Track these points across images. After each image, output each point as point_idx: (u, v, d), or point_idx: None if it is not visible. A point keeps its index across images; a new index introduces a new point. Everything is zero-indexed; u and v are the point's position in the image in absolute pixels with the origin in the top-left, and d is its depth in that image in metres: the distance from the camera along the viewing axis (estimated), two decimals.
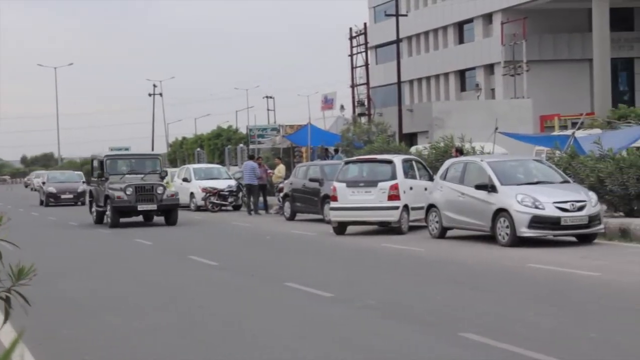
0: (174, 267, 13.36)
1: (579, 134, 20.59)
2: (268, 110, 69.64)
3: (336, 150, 30.24)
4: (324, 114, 47.05)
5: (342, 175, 18.36)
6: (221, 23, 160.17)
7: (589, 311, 8.42)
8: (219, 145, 65.19)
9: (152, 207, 21.58)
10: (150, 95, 70.14)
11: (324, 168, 22.43)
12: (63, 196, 36.48)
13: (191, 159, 61.32)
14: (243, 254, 14.58)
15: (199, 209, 28.35)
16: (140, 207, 21.52)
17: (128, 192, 21.29)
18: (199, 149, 60.13)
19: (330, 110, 47.56)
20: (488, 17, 56.19)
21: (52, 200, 36.31)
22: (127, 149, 74.12)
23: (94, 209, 23.17)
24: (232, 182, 28.84)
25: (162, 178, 22.66)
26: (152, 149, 72.22)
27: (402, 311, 8.70)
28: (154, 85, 69.96)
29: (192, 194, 29.01)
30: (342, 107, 47.61)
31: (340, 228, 17.93)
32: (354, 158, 20.74)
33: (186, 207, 28.42)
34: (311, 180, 22.07)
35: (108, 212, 21.77)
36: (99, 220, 22.69)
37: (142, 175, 22.18)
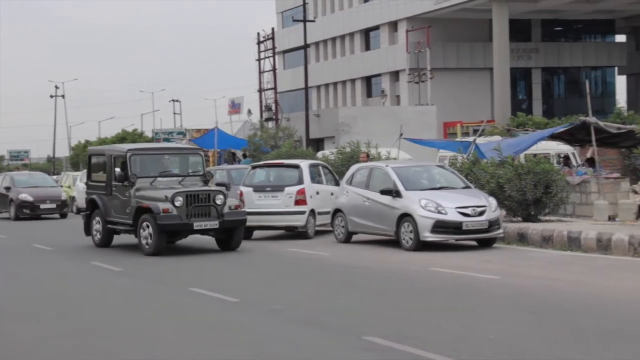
0: (76, 273, 13.04)
1: (480, 140, 21.20)
2: (174, 113, 68.88)
3: (244, 155, 30.17)
4: (231, 118, 46.87)
5: (249, 179, 18.36)
6: (126, 24, 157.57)
7: (488, 313, 8.67)
8: None
9: (213, 224, 14.88)
10: (52, 96, 68.29)
11: (230, 172, 22.34)
12: (43, 205, 27.33)
13: None
14: (149, 260, 14.37)
15: None
16: (197, 226, 14.77)
17: (177, 204, 14.62)
18: None
19: (238, 114, 47.42)
20: (393, 25, 57.16)
21: (26, 211, 27.19)
22: (26, 152, 71.95)
23: (97, 226, 16.39)
24: None
25: (207, 182, 16.07)
26: (54, 153, 70.37)
27: (307, 315, 8.75)
28: (56, 87, 68.17)
29: None
30: (249, 112, 47.54)
31: (247, 233, 17.86)
32: (261, 163, 20.74)
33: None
34: (218, 184, 21.90)
35: (146, 233, 14.78)
36: (106, 241, 16.31)
37: (180, 179, 15.81)
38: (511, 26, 49.10)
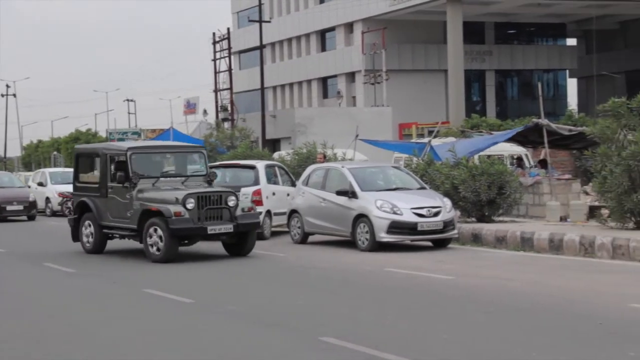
0: (28, 274, 12.84)
1: (435, 142, 21.38)
2: (129, 113, 68.28)
3: None
4: (186, 118, 46.67)
5: None
6: (79, 22, 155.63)
7: (442, 313, 8.75)
8: None
9: (228, 228, 13.77)
10: (2, 95, 67.12)
11: None
12: (9, 207, 25.51)
13: (47, 162, 59.12)
14: (102, 261, 14.22)
15: (55, 214, 27.43)
16: (210, 230, 13.66)
17: (189, 206, 13.53)
18: (55, 153, 58.10)
19: (193, 114, 47.24)
20: (349, 26, 57.38)
21: None
22: None
23: (88, 231, 15.10)
24: None
25: (211, 182, 14.91)
26: (5, 153, 69.12)
27: (263, 316, 8.74)
28: (7, 86, 67.02)
29: (47, 198, 28.06)
30: (205, 112, 47.37)
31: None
32: (217, 163, 20.65)
33: (42, 212, 27.50)
34: None
35: (154, 239, 13.53)
36: (98, 247, 15.05)
37: (183, 179, 14.70)
38: (465, 28, 49.65)
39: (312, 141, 23.60)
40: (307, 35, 61.65)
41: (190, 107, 47.35)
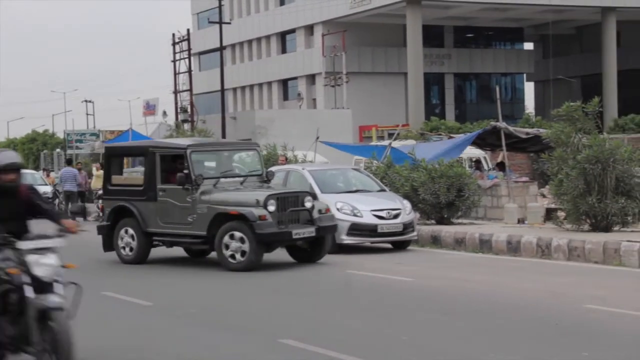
0: None
1: (395, 144, 21.51)
2: (87, 114, 67.50)
3: None
4: (145, 119, 46.22)
5: None
6: (38, 22, 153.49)
7: (402, 315, 8.81)
8: (34, 150, 62.35)
9: (310, 232, 12.61)
10: None
11: None
12: None
13: None
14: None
15: None
16: (295, 234, 12.47)
17: (271, 209, 12.28)
18: None
19: (153, 116, 46.82)
20: (309, 29, 57.47)
21: None
22: None
23: (128, 239, 13.47)
24: (48, 189, 27.71)
25: (268, 183, 13.62)
26: None
27: (222, 319, 8.72)
28: None
29: None
30: (164, 113, 47.00)
31: None
32: None
33: None
34: None
35: (235, 246, 12.20)
36: (142, 257, 13.47)
37: (242, 179, 13.32)
38: (425, 32, 50.04)
39: (272, 143, 23.57)
40: (268, 37, 61.60)
41: (149, 109, 46.98)
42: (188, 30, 41.84)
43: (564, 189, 14.28)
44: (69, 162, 27.96)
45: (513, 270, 11.97)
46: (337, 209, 14.46)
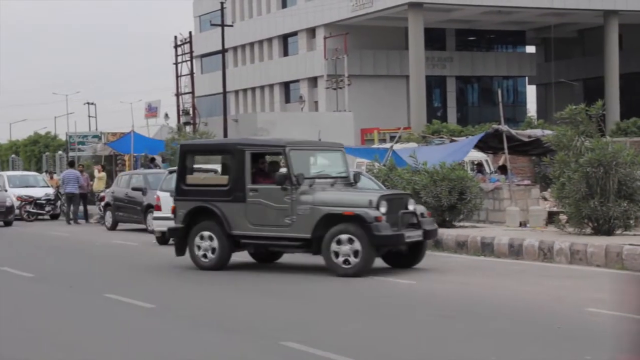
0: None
1: (397, 147, 21.52)
2: (89, 116, 67.50)
3: (152, 159, 29.81)
4: (147, 121, 46.22)
5: (167, 184, 18.14)
6: (40, 23, 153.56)
7: (403, 318, 8.81)
8: (36, 152, 62.43)
9: (418, 235, 12.14)
10: None
11: (147, 177, 22.06)
12: None
13: (5, 166, 58.24)
14: (61, 265, 14.05)
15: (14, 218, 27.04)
16: (407, 238, 11.93)
17: (382, 210, 11.70)
18: (13, 156, 57.23)
19: (155, 118, 46.81)
20: (311, 32, 57.52)
21: None
22: None
23: (206, 243, 12.70)
24: (50, 190, 27.76)
25: (355, 184, 13.03)
26: None
27: (224, 321, 8.72)
28: None
29: None
30: (166, 116, 47.03)
31: (164, 238, 17.69)
32: None
33: None
34: (134, 189, 21.65)
35: (346, 249, 11.60)
36: (222, 262, 12.69)
37: (332, 181, 12.61)
38: (426, 35, 50.10)
39: None
40: (270, 40, 61.65)
41: (151, 111, 46.98)
42: (190, 32, 41.88)
43: (566, 192, 14.27)
44: (71, 164, 27.99)
45: (515, 273, 11.96)
46: None
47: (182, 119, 39.98)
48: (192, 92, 40.95)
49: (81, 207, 25.27)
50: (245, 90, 64.48)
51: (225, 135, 35.68)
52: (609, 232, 14.06)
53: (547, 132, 19.07)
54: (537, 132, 20.37)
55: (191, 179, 13.26)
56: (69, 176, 25.38)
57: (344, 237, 11.56)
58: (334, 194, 12.15)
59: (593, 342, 7.46)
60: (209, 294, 10.73)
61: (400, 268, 12.25)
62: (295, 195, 11.97)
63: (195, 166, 14.01)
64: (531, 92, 67.09)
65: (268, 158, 13.30)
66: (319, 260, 13.97)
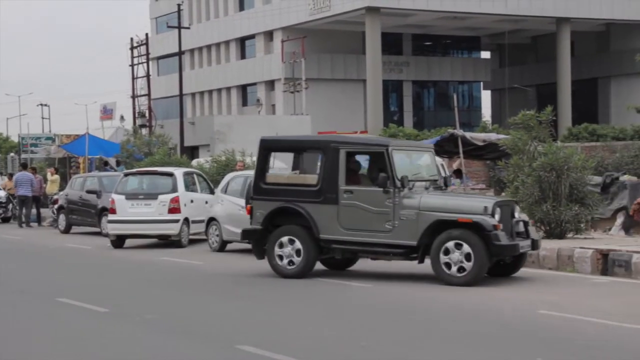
0: None
1: None
2: (43, 118, 66.55)
3: (118, 163, 29.53)
4: (102, 124, 45.81)
5: (121, 187, 18.01)
6: None
7: (362, 321, 8.86)
8: None
9: (528, 246, 11.43)
10: None
11: (102, 180, 21.85)
12: None
13: None
14: (12, 269, 13.83)
15: None
16: (521, 247, 11.21)
17: (497, 217, 10.94)
18: None
19: (110, 120, 46.41)
20: (269, 35, 57.45)
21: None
22: None
23: (289, 248, 11.80)
24: (1, 193, 27.31)
25: (447, 188, 12.31)
26: None
27: (180, 325, 8.67)
28: None
29: None
30: (122, 118, 46.63)
31: (119, 241, 17.58)
32: (134, 170, 20.39)
33: None
34: (88, 192, 21.44)
35: (456, 257, 10.85)
36: (307, 269, 11.84)
37: (426, 184, 11.75)
38: (383, 39, 50.39)
39: (231, 149, 23.52)
40: (227, 43, 61.42)
41: (106, 113, 46.55)
42: (147, 34, 41.55)
43: (520, 196, 14.47)
44: (23, 166, 27.55)
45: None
46: None
47: (138, 122, 39.64)
48: (149, 95, 40.63)
49: (34, 210, 24.92)
50: (202, 93, 64.13)
51: (182, 138, 35.45)
52: (561, 236, 14.30)
53: (502, 136, 19.33)
54: (491, 136, 20.63)
55: (272, 177, 12.28)
56: (21, 179, 24.98)
57: (451, 244, 10.79)
58: (441, 198, 11.33)
59: (544, 344, 7.58)
60: (166, 297, 10.65)
61: (500, 277, 11.40)
62: (398, 199, 11.11)
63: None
64: (486, 97, 67.91)
65: (358, 157, 12.26)
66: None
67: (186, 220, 17.42)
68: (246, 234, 12.49)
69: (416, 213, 11.04)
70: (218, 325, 8.58)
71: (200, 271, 13.45)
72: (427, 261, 11.25)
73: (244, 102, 60.73)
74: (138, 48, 40.80)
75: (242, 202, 15.80)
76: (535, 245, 11.58)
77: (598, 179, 16.50)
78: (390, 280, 11.78)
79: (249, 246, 16.08)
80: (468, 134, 20.46)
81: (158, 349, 7.56)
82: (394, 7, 49.56)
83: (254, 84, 58.83)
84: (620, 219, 15.79)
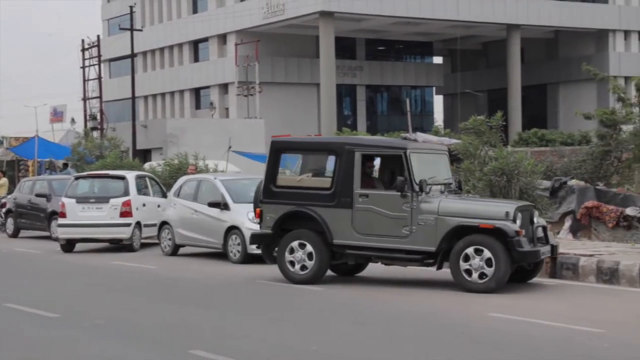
0: None
1: None
2: None
3: (65, 165, 29.12)
4: (52, 126, 45.14)
5: (72, 190, 17.81)
6: None
7: (312, 325, 8.87)
8: None
9: (548, 252, 11.22)
10: None
11: (51, 183, 21.55)
12: None
13: None
14: None
15: None
16: (542, 254, 10.97)
17: (519, 222, 10.68)
18: None
19: (60, 123, 45.77)
20: (223, 38, 57.26)
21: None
22: None
23: (300, 253, 11.51)
24: None
25: (461, 191, 12.20)
26: None
27: (131, 330, 8.60)
28: None
29: None
30: (72, 120, 46.00)
31: (69, 245, 17.38)
32: (85, 173, 20.16)
33: None
34: (38, 195, 21.13)
35: (477, 263, 10.56)
36: (321, 274, 11.59)
37: (441, 188, 11.45)
38: (337, 44, 50.60)
39: (184, 152, 23.39)
40: (180, 45, 61.05)
41: (57, 115, 45.91)
42: (98, 36, 41.10)
43: None
44: None
45: (421, 280, 12.19)
46: (249, 219, 14.45)
47: (89, 124, 39.19)
48: (100, 97, 40.18)
49: None
50: (154, 96, 63.62)
51: (134, 141, 35.12)
52: None
53: (454, 140, 19.55)
54: (443, 141, 20.84)
55: (283, 180, 11.98)
56: None
57: (471, 250, 10.50)
58: (460, 203, 11.09)
59: (496, 347, 7.69)
60: (117, 301, 10.54)
61: (516, 282, 11.06)
62: (416, 204, 10.80)
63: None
64: (438, 102, 68.60)
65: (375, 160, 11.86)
66: (229, 269, 13.85)
67: (138, 224, 17.28)
68: (255, 239, 12.10)
69: (435, 218, 10.73)
70: (171, 330, 8.53)
71: (152, 275, 13.34)
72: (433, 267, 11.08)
73: (197, 106, 60.41)
74: (89, 50, 40.34)
75: (196, 205, 15.77)
76: (554, 250, 11.31)
77: (547, 184, 16.80)
78: (349, 282, 11.83)
79: (202, 250, 16.07)
80: (421, 137, 20.63)
81: (109, 354, 7.48)
82: (348, 12, 49.80)
83: (208, 87, 58.57)
84: (568, 223, 16.09)
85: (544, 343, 7.74)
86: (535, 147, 31.93)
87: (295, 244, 11.46)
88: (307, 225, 11.44)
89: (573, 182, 17.20)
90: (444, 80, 64.45)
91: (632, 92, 19.90)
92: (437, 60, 67.18)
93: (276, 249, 11.75)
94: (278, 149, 12.01)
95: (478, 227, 10.55)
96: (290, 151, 12.49)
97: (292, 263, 11.52)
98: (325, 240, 11.30)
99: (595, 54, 55.61)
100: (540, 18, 54.47)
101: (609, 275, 11.39)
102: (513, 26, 54.05)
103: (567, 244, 13.82)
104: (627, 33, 57.74)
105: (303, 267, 11.47)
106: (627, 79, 50.11)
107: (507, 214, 10.61)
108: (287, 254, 11.52)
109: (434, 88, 66.10)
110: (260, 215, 11.90)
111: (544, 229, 11.33)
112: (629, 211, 15.30)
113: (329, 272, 11.99)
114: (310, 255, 11.40)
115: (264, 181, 11.98)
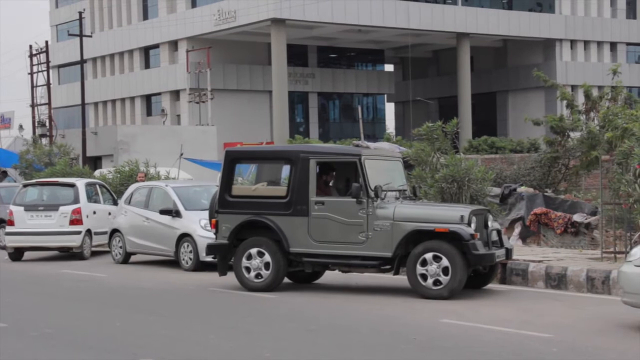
0: None
1: None
2: None
3: (4, 173, 28.59)
4: (0, 133, 44.34)
5: (20, 198, 17.54)
6: None
7: (266, 332, 8.86)
8: None
9: (502, 254, 11.19)
10: None
11: None
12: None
13: None
14: None
15: None
16: (497, 257, 11.01)
17: (473, 226, 10.76)
18: None
19: (8, 129, 44.99)
20: (174, 44, 56.89)
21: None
22: None
23: (258, 261, 11.54)
24: None
25: (416, 197, 12.17)
26: None
27: (80, 339, 8.49)
28: None
29: None
30: (21, 127, 45.24)
31: (17, 254, 17.10)
32: (33, 181, 19.85)
33: None
34: None
35: (434, 269, 10.61)
36: (277, 282, 11.66)
37: (397, 194, 11.51)
38: (289, 51, 50.65)
39: (134, 159, 23.18)
40: (131, 52, 60.48)
41: (4, 122, 45.14)
42: (47, 42, 40.53)
43: None
44: None
45: (377, 286, 12.25)
46: (201, 226, 14.40)
47: (38, 131, 38.59)
48: (49, 104, 39.60)
49: None
50: (105, 103, 62.89)
51: (84, 148, 34.68)
52: None
53: (402, 148, 19.70)
54: (394, 149, 20.99)
55: (238, 189, 12.00)
56: None
57: (429, 255, 10.54)
58: (415, 208, 11.10)
59: (447, 352, 7.77)
60: (66, 310, 10.39)
61: (471, 289, 11.14)
62: (372, 210, 10.82)
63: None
64: (390, 109, 69.06)
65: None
66: (181, 276, 13.76)
67: (88, 231, 17.08)
68: (211, 249, 11.97)
69: (391, 223, 10.78)
70: (120, 339, 8.44)
71: (102, 284, 13.18)
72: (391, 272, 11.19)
73: (149, 112, 59.88)
74: (38, 56, 39.75)
75: (147, 213, 15.64)
76: (509, 254, 11.40)
77: (497, 190, 17.02)
78: (305, 290, 11.83)
79: (154, 258, 15.94)
80: (372, 145, 20.75)
81: None
82: (299, 19, 49.91)
83: (159, 93, 58.11)
84: (517, 229, 16.33)
85: (495, 348, 7.84)
86: (486, 155, 32.34)
87: (252, 251, 11.44)
88: (263, 234, 11.43)
89: (522, 189, 17.46)
90: (395, 88, 64.93)
91: (580, 100, 20.29)
92: (389, 67, 67.67)
93: (232, 259, 11.67)
94: (233, 159, 11.98)
95: (433, 232, 10.61)
96: (245, 161, 12.49)
97: (248, 270, 11.51)
98: (282, 248, 11.29)
99: (543, 63, 56.57)
100: (489, 27, 55.28)
101: (557, 280, 11.59)
102: (463, 35, 54.73)
103: (516, 250, 14.01)
104: (573, 42, 58.89)
105: (258, 275, 11.46)
106: (573, 87, 51.20)
107: (462, 217, 10.68)
108: (244, 260, 11.49)
109: (385, 95, 66.53)
110: (216, 226, 11.81)
111: (499, 232, 11.39)
112: (577, 217, 15.59)
113: (286, 280, 11.97)
114: (267, 265, 11.39)
115: (219, 191, 11.88)
